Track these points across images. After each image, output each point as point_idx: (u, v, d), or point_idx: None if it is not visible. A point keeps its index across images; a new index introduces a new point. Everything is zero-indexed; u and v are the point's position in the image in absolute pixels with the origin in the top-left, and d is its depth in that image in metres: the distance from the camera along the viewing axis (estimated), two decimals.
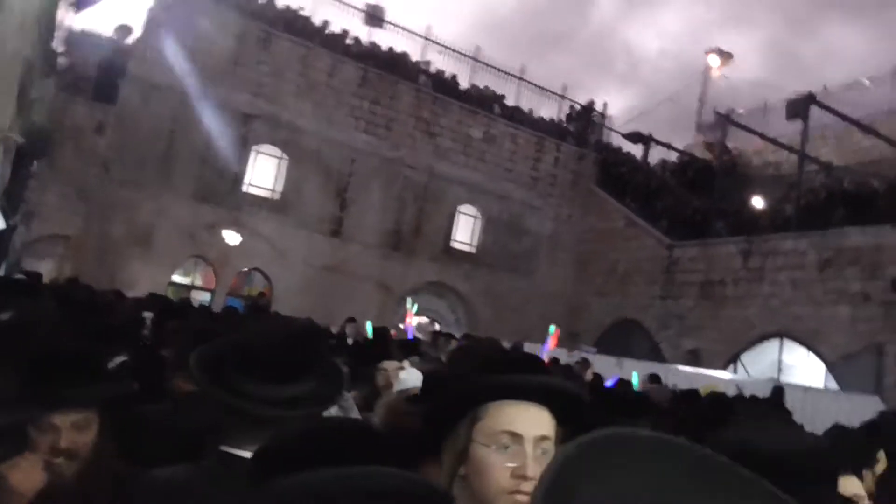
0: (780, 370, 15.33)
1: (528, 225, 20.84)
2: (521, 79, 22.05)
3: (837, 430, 3.00)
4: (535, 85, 22.53)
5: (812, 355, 15.09)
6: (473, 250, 20.47)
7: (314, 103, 18.09)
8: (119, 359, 4.45)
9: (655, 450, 0.58)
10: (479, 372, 1.60)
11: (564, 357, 11.53)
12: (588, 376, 8.72)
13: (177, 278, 17.22)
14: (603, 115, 23.97)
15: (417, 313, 13.42)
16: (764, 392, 8.78)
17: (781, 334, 15.73)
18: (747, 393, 7.90)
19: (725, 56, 27.53)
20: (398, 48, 20.63)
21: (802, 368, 15.16)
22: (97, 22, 16.83)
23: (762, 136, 20.76)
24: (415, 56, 20.81)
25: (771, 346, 16.02)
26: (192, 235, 16.58)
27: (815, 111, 18.04)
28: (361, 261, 18.22)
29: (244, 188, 17.58)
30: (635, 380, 8.64)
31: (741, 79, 27.30)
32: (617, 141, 24.45)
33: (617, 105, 30.50)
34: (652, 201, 21.02)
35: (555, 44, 48.54)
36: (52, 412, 1.96)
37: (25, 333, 2.91)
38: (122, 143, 15.90)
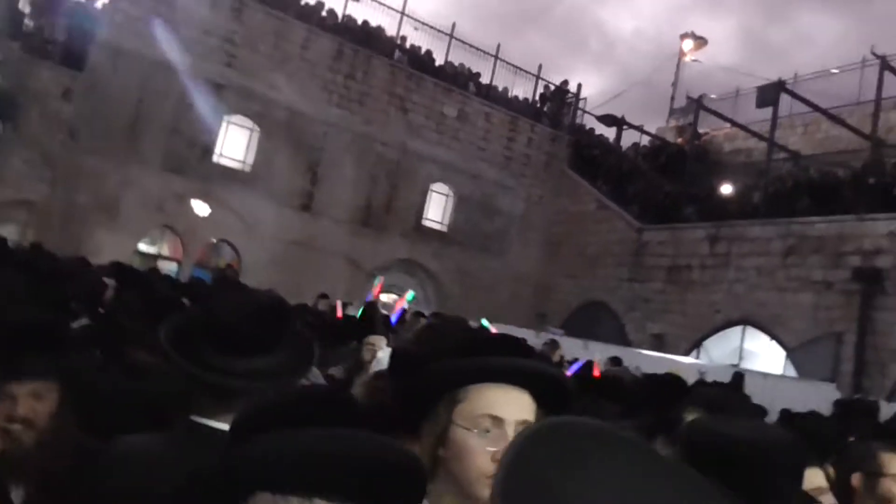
0: (741, 357, 15.60)
1: (499, 205, 20.84)
2: (496, 57, 21.91)
3: (787, 415, 3.06)
4: (511, 64, 22.41)
5: (773, 343, 15.37)
6: (445, 229, 20.44)
7: (287, 75, 17.82)
8: (82, 320, 4.40)
9: (601, 440, 0.59)
10: (458, 353, 1.59)
11: (532, 339, 11.59)
12: (556, 358, 8.79)
13: (143, 247, 16.99)
14: (577, 97, 23.94)
15: (386, 291, 13.39)
16: (725, 378, 8.96)
17: (745, 321, 15.98)
18: (710, 378, 8.04)
19: (699, 41, 27.55)
20: (374, 22, 20.40)
21: (764, 355, 15.44)
22: None
23: (733, 122, 20.91)
24: (390, 31, 20.59)
25: (734, 333, 16.28)
26: (159, 205, 16.34)
27: (785, 98, 18.20)
28: (331, 236, 18.10)
29: (214, 159, 17.33)
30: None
31: (715, 64, 27.42)
32: (590, 123, 24.51)
33: (591, 86, 30.38)
34: (623, 185, 21.13)
35: (531, 22, 48.32)
36: (9, 381, 1.94)
37: None
38: (90, 110, 15.52)
